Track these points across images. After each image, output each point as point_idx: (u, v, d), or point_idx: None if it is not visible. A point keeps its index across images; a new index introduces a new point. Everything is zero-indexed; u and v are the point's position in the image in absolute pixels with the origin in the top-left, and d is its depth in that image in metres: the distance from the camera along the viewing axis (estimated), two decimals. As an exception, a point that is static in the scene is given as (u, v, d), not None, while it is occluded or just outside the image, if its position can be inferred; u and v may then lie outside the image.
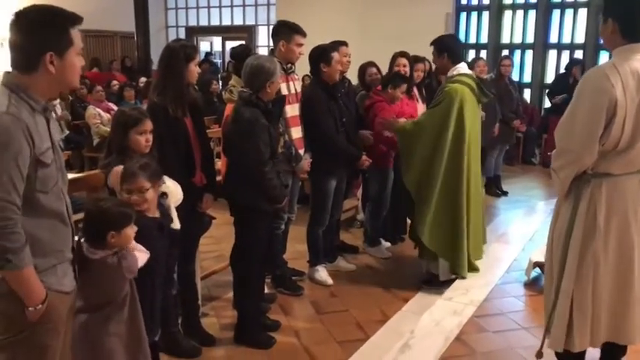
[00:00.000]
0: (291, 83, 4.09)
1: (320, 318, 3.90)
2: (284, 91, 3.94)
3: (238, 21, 14.64)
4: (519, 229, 5.91)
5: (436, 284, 4.27)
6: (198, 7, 15.03)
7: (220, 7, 14.69)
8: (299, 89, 4.21)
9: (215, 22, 14.93)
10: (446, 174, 4.05)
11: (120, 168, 2.74)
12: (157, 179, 2.71)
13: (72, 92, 8.12)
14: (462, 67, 4.18)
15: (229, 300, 4.02)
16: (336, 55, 4.18)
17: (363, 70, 5.13)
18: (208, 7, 14.91)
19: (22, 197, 1.86)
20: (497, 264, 4.85)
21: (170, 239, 2.81)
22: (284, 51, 4.04)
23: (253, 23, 14.44)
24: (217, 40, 15.69)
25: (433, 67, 5.26)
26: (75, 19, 1.98)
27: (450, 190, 4.08)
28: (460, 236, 4.11)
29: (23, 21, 1.91)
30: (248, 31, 14.44)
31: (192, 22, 15.19)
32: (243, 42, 13.04)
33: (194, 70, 3.36)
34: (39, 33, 1.91)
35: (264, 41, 14.05)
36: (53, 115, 2.13)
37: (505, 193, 7.29)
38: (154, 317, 2.73)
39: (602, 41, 2.82)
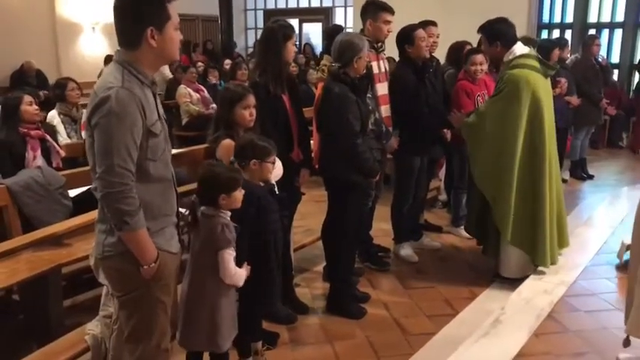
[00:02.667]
0: (381, 62, 4.13)
1: (407, 293, 3.99)
2: (375, 70, 4.00)
3: (315, 3, 14.74)
4: (606, 213, 5.76)
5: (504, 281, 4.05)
6: (276, -11, 15.26)
7: (298, -12, 14.88)
8: (389, 68, 4.25)
9: (292, 4, 15.08)
10: (523, 166, 3.78)
11: (228, 141, 2.91)
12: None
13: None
14: (518, 48, 3.84)
15: (319, 272, 4.18)
16: (419, 33, 4.15)
17: (459, 48, 5.06)
18: (286, -12, 15.12)
19: (135, 165, 2.03)
20: (585, 246, 4.76)
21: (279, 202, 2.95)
22: (372, 29, 4.07)
23: (330, 5, 14.50)
24: (294, 23, 15.80)
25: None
26: None
27: (530, 180, 3.80)
28: (542, 227, 3.84)
29: (122, 2, 2.06)
30: (325, 13, 14.53)
31: (271, 5, 15.40)
32: (321, 24, 13.20)
33: (291, 48, 3.48)
34: (138, 10, 2.03)
35: (340, 22, 14.07)
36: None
37: (591, 177, 7.09)
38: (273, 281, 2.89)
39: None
